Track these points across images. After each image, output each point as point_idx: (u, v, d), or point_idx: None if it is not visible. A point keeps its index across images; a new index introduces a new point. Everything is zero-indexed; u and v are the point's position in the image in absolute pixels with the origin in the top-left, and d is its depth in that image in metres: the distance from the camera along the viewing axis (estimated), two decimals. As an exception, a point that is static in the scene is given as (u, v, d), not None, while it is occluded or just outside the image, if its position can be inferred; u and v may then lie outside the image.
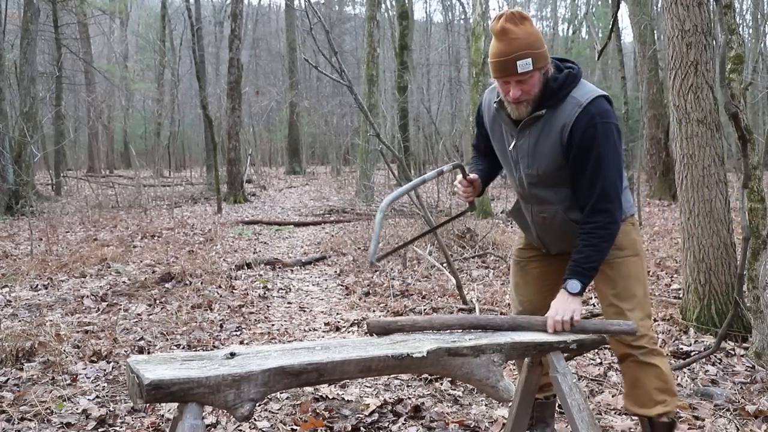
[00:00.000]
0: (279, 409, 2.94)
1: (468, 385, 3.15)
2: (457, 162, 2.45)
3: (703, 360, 3.39)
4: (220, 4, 29.93)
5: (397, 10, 20.29)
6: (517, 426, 2.27)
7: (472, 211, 2.55)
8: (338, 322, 4.55)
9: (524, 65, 1.99)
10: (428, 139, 20.16)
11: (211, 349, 3.81)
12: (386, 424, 2.80)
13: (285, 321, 4.65)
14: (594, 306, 4.61)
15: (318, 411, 2.92)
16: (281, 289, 5.74)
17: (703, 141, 3.82)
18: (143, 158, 23.55)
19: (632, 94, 16.36)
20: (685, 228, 3.91)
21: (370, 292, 5.47)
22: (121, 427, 2.76)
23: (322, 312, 4.93)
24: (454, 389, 3.19)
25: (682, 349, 3.64)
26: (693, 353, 3.54)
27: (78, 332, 4.10)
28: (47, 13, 17.16)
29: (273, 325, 4.51)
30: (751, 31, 21.89)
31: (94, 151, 24.77)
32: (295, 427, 2.76)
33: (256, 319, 4.63)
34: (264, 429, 2.74)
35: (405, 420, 2.83)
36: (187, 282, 5.69)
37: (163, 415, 2.85)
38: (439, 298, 5.11)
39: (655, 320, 4.23)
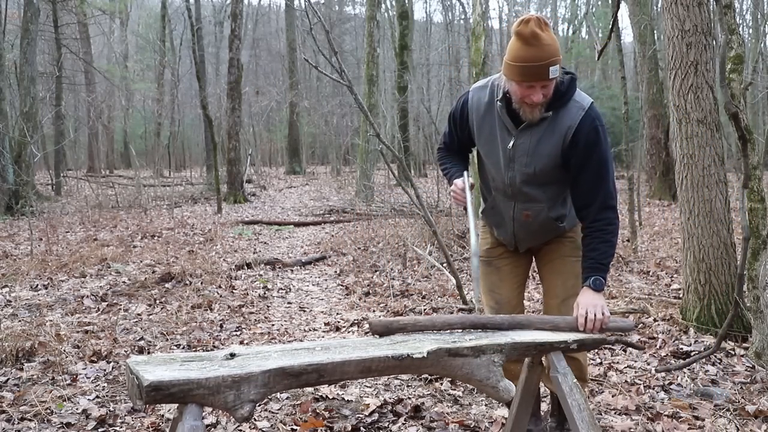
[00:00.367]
0: (279, 409, 2.94)
1: (468, 385, 3.15)
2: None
3: (703, 360, 3.39)
4: (220, 4, 29.93)
5: (397, 10, 20.30)
6: (517, 426, 2.27)
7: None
8: (338, 322, 4.55)
9: (554, 71, 2.05)
10: (428, 139, 20.17)
11: (211, 349, 3.81)
12: (386, 424, 2.80)
13: (285, 321, 4.65)
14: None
15: (318, 411, 2.92)
16: (281, 289, 5.74)
17: (703, 141, 3.82)
18: (143, 158, 23.56)
19: (632, 94, 16.36)
20: (685, 228, 3.91)
21: (370, 292, 5.47)
22: (121, 427, 2.76)
23: (322, 312, 4.93)
24: (454, 389, 3.19)
25: (682, 349, 3.64)
26: (693, 353, 3.54)
27: (78, 332, 4.10)
28: (47, 13, 17.16)
29: (273, 325, 4.51)
30: (751, 31, 21.88)
31: (94, 151, 24.77)
32: (295, 427, 2.76)
33: (256, 319, 4.63)
34: (264, 429, 2.74)
35: (405, 420, 2.83)
36: (187, 282, 5.69)
37: (163, 416, 2.85)
38: (439, 298, 5.11)
39: (654, 320, 4.23)
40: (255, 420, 2.81)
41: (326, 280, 6.23)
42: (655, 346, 3.75)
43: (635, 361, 3.52)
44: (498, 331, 2.11)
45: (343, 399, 3.07)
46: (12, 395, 3.02)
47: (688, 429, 2.66)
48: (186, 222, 10.48)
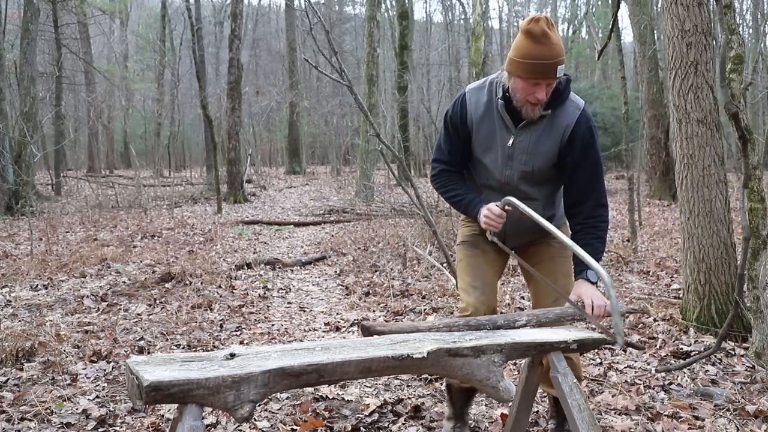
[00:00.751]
0: (279, 409, 2.94)
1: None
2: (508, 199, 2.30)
3: (703, 360, 3.39)
4: (220, 4, 29.93)
5: (397, 10, 20.30)
6: (517, 426, 2.27)
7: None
8: (338, 322, 4.55)
9: (561, 70, 2.10)
10: (428, 139, 20.16)
11: (211, 349, 3.81)
12: (386, 424, 2.80)
13: (285, 321, 4.65)
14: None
15: (318, 411, 2.92)
16: (281, 289, 5.74)
17: (703, 141, 3.81)
18: (143, 158, 23.56)
19: (632, 94, 16.36)
20: (685, 228, 3.91)
21: (370, 292, 5.47)
22: (121, 427, 2.76)
23: (322, 312, 4.93)
24: (454, 389, 3.19)
25: (682, 349, 3.64)
26: (693, 353, 3.53)
27: (78, 332, 4.10)
28: (47, 13, 17.16)
29: (273, 325, 4.51)
30: (751, 31, 21.88)
31: (94, 151, 24.78)
32: (295, 427, 2.76)
33: (256, 319, 4.63)
34: (264, 429, 2.74)
35: (405, 420, 2.83)
36: (187, 282, 5.69)
37: (163, 416, 2.85)
38: (439, 298, 5.11)
39: (654, 320, 4.23)
40: (255, 420, 2.81)
41: (326, 280, 6.23)
42: (655, 346, 3.75)
43: (635, 361, 3.52)
44: (498, 331, 2.11)
45: (343, 399, 3.07)
46: (12, 395, 3.02)
47: (688, 429, 2.66)
48: (186, 222, 10.49)
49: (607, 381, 3.25)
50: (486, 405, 3.00)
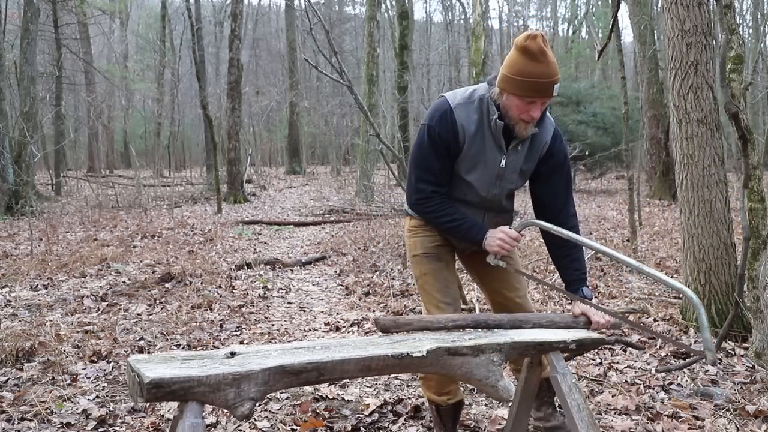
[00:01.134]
0: (279, 409, 2.94)
1: (468, 385, 3.15)
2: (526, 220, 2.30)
3: (703, 360, 3.39)
4: (220, 4, 29.94)
5: (397, 10, 20.30)
6: (517, 426, 2.27)
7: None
8: (338, 322, 4.55)
9: (557, 88, 2.09)
10: (428, 139, 20.15)
11: (211, 349, 3.81)
12: (386, 424, 2.80)
13: (285, 321, 4.66)
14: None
15: (318, 411, 2.92)
16: (281, 289, 5.74)
17: (703, 141, 3.82)
18: (143, 158, 23.57)
19: (632, 94, 16.36)
20: (685, 228, 3.91)
21: (370, 292, 5.47)
22: (121, 427, 2.76)
23: (322, 312, 4.93)
24: (454, 389, 3.19)
25: (682, 349, 3.64)
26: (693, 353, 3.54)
27: (78, 332, 4.10)
28: (47, 13, 17.16)
29: (273, 325, 4.51)
30: (751, 31, 21.90)
31: (94, 151, 24.79)
32: (295, 427, 2.76)
33: (256, 319, 4.64)
34: (264, 429, 2.74)
35: (405, 420, 2.83)
36: (187, 282, 5.69)
37: (163, 415, 2.85)
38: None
39: (654, 320, 4.23)
40: (255, 420, 2.81)
41: (326, 280, 6.23)
42: (655, 346, 3.75)
43: (635, 361, 3.53)
44: (498, 330, 2.11)
45: (343, 399, 3.07)
46: (12, 395, 3.02)
47: (688, 429, 2.66)
48: (186, 222, 10.49)
49: (607, 381, 3.25)
50: (486, 405, 3.00)
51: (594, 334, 2.14)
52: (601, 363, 3.52)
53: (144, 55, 32.09)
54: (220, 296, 5.28)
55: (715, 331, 3.68)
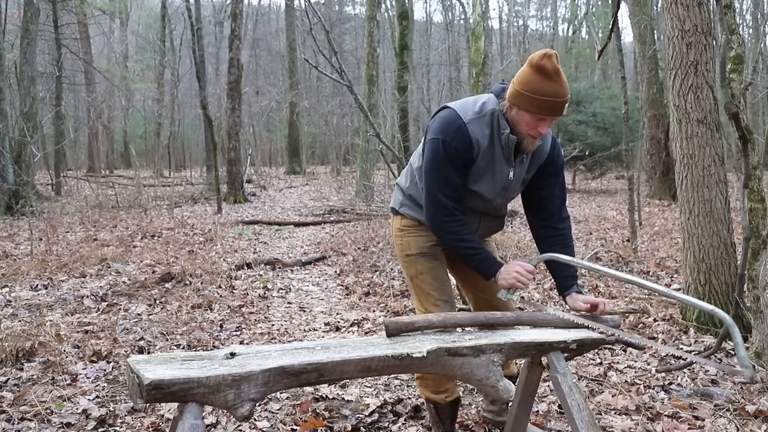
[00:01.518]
0: (279, 409, 2.94)
1: (468, 385, 3.15)
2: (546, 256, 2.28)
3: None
4: (220, 4, 29.93)
5: (397, 10, 20.30)
6: (517, 426, 2.28)
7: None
8: (338, 322, 4.55)
9: (566, 107, 2.14)
10: (428, 139, 20.14)
11: (211, 349, 3.81)
12: (386, 424, 2.80)
13: (285, 321, 4.65)
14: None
15: (318, 411, 2.92)
16: (281, 289, 5.74)
17: (703, 141, 3.82)
18: (143, 158, 23.58)
19: (632, 94, 16.36)
20: (685, 228, 3.91)
21: (370, 292, 5.47)
22: (121, 427, 2.76)
23: (322, 312, 4.93)
24: (454, 389, 3.19)
25: (682, 349, 3.64)
26: (693, 353, 3.53)
27: (78, 332, 4.10)
28: (47, 13, 17.15)
29: (273, 325, 4.51)
30: (751, 31, 21.89)
31: (94, 151, 24.79)
32: (295, 427, 2.76)
33: (256, 319, 4.63)
34: (264, 429, 2.74)
35: (405, 420, 2.83)
36: (187, 282, 5.69)
37: (163, 415, 2.85)
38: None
39: (654, 320, 4.23)
40: (255, 420, 2.81)
41: (326, 280, 6.23)
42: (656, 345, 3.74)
43: (635, 361, 3.52)
44: (498, 331, 2.11)
45: (343, 399, 3.07)
46: (12, 395, 3.02)
47: (688, 429, 2.66)
48: (186, 222, 10.49)
49: (607, 381, 3.25)
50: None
51: (594, 334, 2.14)
52: (601, 363, 3.52)
53: (144, 55, 32.08)
54: (220, 296, 5.28)
55: (716, 331, 3.68)
